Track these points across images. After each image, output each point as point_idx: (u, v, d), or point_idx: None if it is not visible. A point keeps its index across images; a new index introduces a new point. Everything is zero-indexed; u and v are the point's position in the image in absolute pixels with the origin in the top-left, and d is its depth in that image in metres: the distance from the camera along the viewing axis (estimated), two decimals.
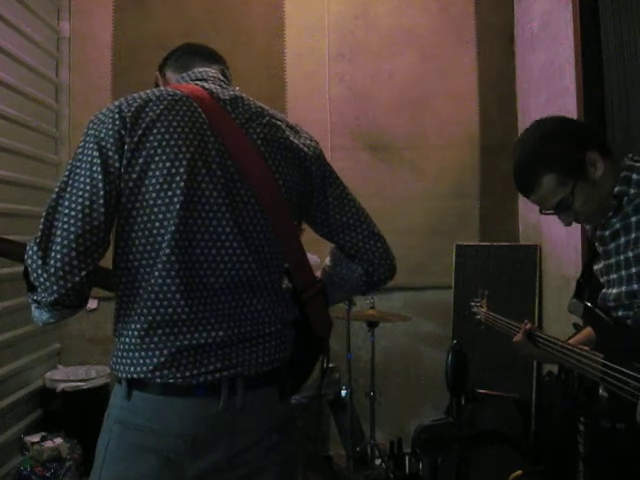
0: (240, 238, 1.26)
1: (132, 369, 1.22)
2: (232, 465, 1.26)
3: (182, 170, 1.22)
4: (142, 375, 1.21)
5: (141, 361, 1.22)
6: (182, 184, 1.21)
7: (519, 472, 2.63)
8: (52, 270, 1.15)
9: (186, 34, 3.78)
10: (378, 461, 3.28)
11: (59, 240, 1.16)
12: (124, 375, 1.23)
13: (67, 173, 1.22)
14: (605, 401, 1.57)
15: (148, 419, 1.22)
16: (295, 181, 1.35)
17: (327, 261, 1.50)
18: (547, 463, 2.77)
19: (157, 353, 1.21)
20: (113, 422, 1.26)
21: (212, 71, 1.45)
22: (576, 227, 2.98)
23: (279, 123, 1.38)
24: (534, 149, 1.63)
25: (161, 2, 3.84)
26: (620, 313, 1.56)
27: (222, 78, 1.45)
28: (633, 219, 1.51)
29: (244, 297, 1.28)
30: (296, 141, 1.38)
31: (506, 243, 3.83)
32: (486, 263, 3.76)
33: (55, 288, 1.15)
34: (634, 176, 1.53)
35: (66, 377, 3.39)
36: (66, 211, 1.18)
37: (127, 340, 1.23)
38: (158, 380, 1.21)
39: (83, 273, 1.17)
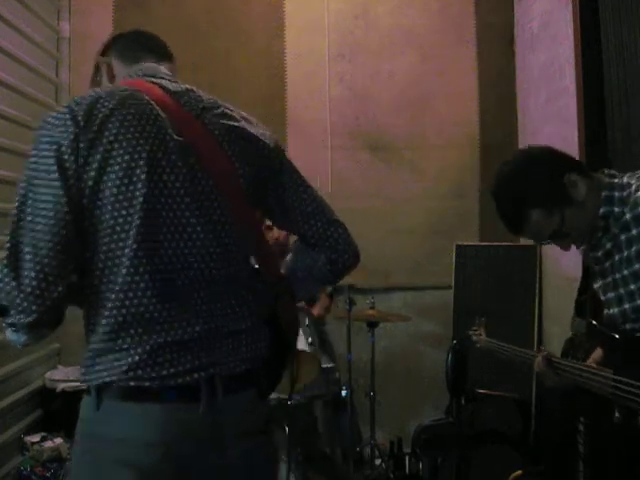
0: (207, 229, 1.23)
1: (105, 373, 1.16)
2: (214, 471, 1.21)
3: (142, 163, 1.18)
4: (115, 377, 1.15)
5: (115, 363, 1.15)
6: (143, 176, 1.18)
7: (519, 472, 2.63)
8: (28, 289, 1.10)
9: (186, 34, 3.78)
10: (378, 461, 3.28)
11: (29, 257, 1.11)
12: (95, 382, 1.16)
13: (24, 185, 1.16)
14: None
15: (121, 430, 1.14)
16: (254, 171, 1.32)
17: (289, 255, 1.46)
18: (547, 463, 2.77)
19: (131, 352, 1.15)
20: (83, 437, 1.20)
21: (162, 68, 1.39)
22: None
23: (233, 114, 1.34)
24: (510, 190, 1.62)
25: (161, 2, 3.84)
26: (628, 326, 1.56)
27: (170, 74, 1.39)
28: (622, 237, 1.51)
29: (217, 291, 1.25)
30: (253, 131, 1.34)
31: (506, 243, 3.82)
32: (486, 263, 3.75)
33: (33, 308, 1.10)
34: (616, 194, 1.52)
35: (66, 377, 3.39)
36: (31, 226, 1.12)
37: (97, 345, 1.17)
38: (132, 383, 1.14)
39: (60, 288, 1.12)
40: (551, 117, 3.39)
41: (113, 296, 1.17)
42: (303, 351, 2.75)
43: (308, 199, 1.41)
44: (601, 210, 1.53)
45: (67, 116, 1.18)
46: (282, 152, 1.40)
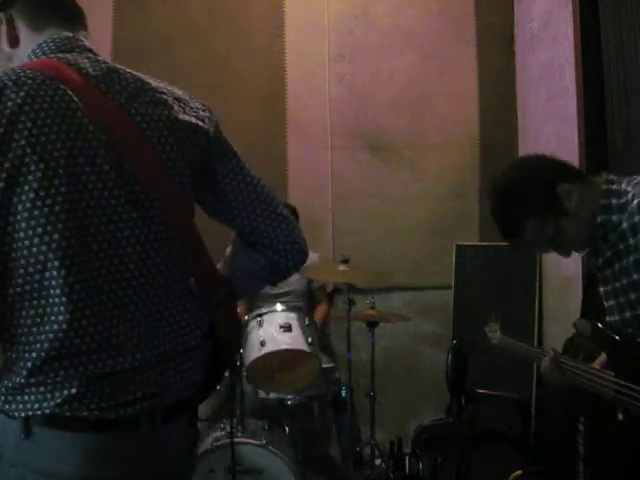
0: (144, 239, 1.09)
1: (33, 406, 1.01)
2: None
3: (61, 171, 1.00)
4: (47, 411, 1.01)
5: (48, 395, 1.01)
6: (63, 189, 1.00)
7: (519, 472, 2.63)
8: None
9: (186, 34, 3.79)
10: (378, 461, 3.28)
11: None
12: (22, 414, 1.02)
13: None
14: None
15: (54, 461, 1.01)
16: (188, 164, 1.17)
17: (227, 251, 1.31)
18: (547, 463, 2.77)
19: (66, 385, 1.01)
20: (9, 466, 1.04)
21: (79, 38, 1.19)
22: None
23: (164, 97, 1.17)
24: (505, 202, 1.64)
25: (161, 2, 3.84)
26: (630, 331, 1.56)
27: (89, 46, 1.19)
28: (621, 246, 1.51)
29: (161, 308, 1.11)
30: (186, 117, 1.18)
31: (506, 243, 3.82)
32: (486, 263, 3.75)
33: None
34: (613, 201, 1.52)
35: None
36: None
37: (23, 380, 1.01)
38: (68, 414, 1.01)
39: None
40: (551, 117, 3.39)
41: (44, 328, 1.01)
42: (303, 351, 2.75)
43: (246, 189, 1.23)
44: (599, 219, 1.52)
45: None
46: (219, 137, 1.24)
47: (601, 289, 1.64)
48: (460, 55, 3.98)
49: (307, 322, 2.87)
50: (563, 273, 3.28)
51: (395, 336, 3.89)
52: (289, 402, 2.88)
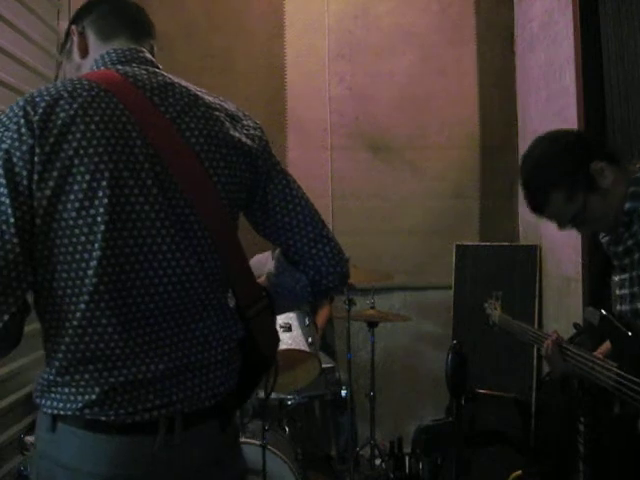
0: (180, 256, 1.10)
1: (59, 405, 1.07)
2: None
3: (105, 183, 1.04)
4: (69, 412, 1.06)
5: (72, 397, 1.06)
6: (106, 200, 1.03)
7: (519, 472, 2.63)
8: None
9: (186, 34, 3.79)
10: (378, 461, 3.28)
11: None
12: (49, 411, 1.08)
13: None
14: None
15: (75, 458, 1.07)
16: (236, 182, 1.18)
17: (271, 267, 1.32)
18: (547, 463, 2.77)
19: (88, 390, 1.05)
20: (39, 457, 1.12)
21: (140, 50, 1.22)
22: None
23: (217, 114, 1.19)
24: (536, 169, 1.63)
25: (161, 2, 3.84)
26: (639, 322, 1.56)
27: (150, 58, 1.23)
28: None
29: (188, 321, 1.13)
30: (237, 134, 1.19)
31: (506, 243, 3.83)
32: (486, 263, 3.75)
33: None
34: None
35: None
36: None
37: (52, 377, 1.07)
38: (88, 417, 1.06)
39: (6, 317, 1.00)
40: (551, 117, 3.39)
41: (71, 331, 1.05)
42: (303, 351, 2.75)
43: (294, 210, 1.25)
44: (626, 205, 1.53)
45: (21, 121, 1.03)
46: (269, 154, 1.26)
47: (616, 278, 1.64)
48: (460, 55, 3.99)
49: (307, 322, 2.87)
50: (563, 273, 3.28)
51: (395, 336, 3.89)
52: (289, 402, 2.88)
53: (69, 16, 3.75)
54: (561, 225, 1.65)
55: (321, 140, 3.93)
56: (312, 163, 3.90)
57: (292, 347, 2.75)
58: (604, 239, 1.67)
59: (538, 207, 1.64)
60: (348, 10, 3.96)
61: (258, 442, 2.57)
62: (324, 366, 2.90)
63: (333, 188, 3.91)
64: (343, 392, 3.16)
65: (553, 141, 1.66)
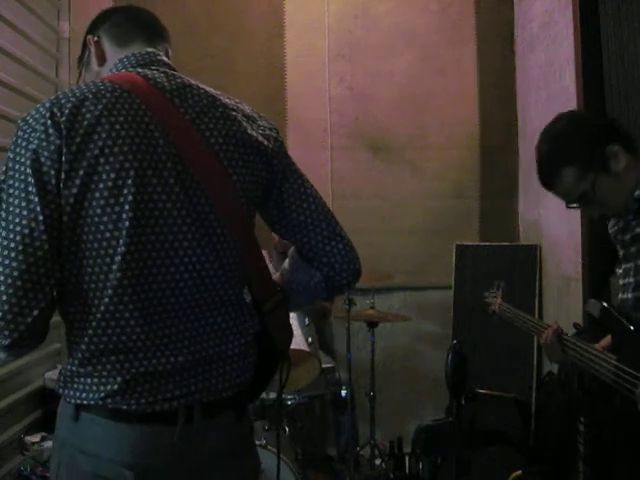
0: (200, 252, 1.15)
1: (82, 395, 1.12)
2: None
3: (130, 181, 1.08)
4: (92, 402, 1.11)
5: (94, 388, 1.11)
6: (130, 197, 1.08)
7: (519, 472, 2.63)
8: (0, 314, 1.02)
9: (186, 34, 3.78)
10: (378, 461, 3.28)
11: (1, 279, 1.02)
12: (72, 401, 1.13)
13: None
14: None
15: (97, 445, 1.11)
16: (253, 180, 1.23)
17: (285, 264, 1.37)
18: (547, 463, 2.77)
19: (111, 380, 1.10)
20: (61, 445, 1.16)
21: (158, 53, 1.27)
22: (577, 227, 2.98)
23: (234, 114, 1.23)
24: (553, 143, 1.66)
25: (161, 2, 3.84)
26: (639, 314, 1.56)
27: (167, 61, 1.27)
28: None
29: (207, 315, 1.18)
30: (254, 133, 1.24)
31: (506, 243, 3.83)
32: (486, 263, 3.75)
33: (7, 333, 1.03)
34: None
35: None
36: (5, 243, 1.03)
37: (75, 368, 1.12)
38: (110, 406, 1.11)
39: (35, 312, 1.03)
40: (551, 117, 3.37)
41: (94, 323, 1.10)
42: (303, 351, 2.75)
43: (308, 208, 1.30)
44: (636, 193, 1.54)
45: (48, 122, 1.06)
46: (284, 154, 1.30)
47: (620, 270, 1.64)
48: (460, 55, 3.99)
49: (307, 322, 2.87)
50: (563, 273, 3.28)
51: (395, 336, 3.89)
52: (289, 402, 2.88)
53: (69, 16, 3.75)
54: (568, 202, 1.65)
55: (321, 140, 3.93)
56: (312, 163, 3.89)
57: (292, 347, 2.74)
58: (612, 229, 1.68)
59: (549, 182, 1.65)
60: (348, 10, 3.96)
61: (258, 442, 2.57)
62: (324, 366, 2.90)
63: (333, 188, 3.91)
64: (343, 392, 3.16)
65: (574, 119, 1.71)
